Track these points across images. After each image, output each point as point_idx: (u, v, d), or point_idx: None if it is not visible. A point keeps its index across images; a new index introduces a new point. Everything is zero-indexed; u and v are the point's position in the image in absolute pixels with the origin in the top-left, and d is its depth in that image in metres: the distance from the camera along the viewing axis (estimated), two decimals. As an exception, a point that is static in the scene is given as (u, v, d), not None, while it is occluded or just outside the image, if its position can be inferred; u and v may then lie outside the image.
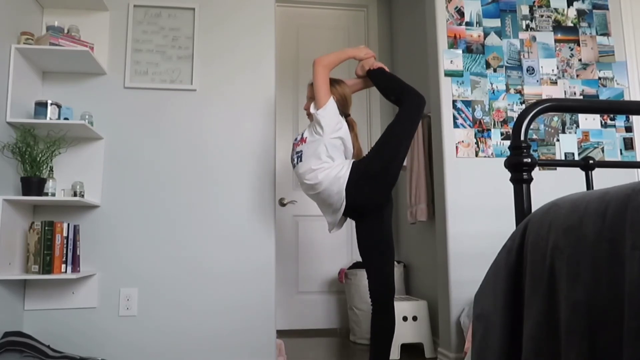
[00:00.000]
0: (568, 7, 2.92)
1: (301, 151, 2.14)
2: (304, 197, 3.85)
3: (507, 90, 2.78)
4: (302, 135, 2.17)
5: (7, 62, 2.23)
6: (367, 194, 2.06)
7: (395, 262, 3.56)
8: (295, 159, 2.17)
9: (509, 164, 1.26)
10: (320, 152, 2.09)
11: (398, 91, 2.17)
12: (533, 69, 2.82)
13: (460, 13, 2.81)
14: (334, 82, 2.23)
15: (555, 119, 2.80)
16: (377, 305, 2.07)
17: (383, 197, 2.09)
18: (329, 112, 2.10)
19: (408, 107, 2.11)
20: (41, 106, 2.28)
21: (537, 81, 2.82)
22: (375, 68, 2.29)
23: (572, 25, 2.91)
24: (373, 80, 2.31)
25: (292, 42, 4.13)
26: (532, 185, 1.25)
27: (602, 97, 2.85)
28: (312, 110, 2.14)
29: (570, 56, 2.87)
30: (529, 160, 1.23)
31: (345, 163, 2.10)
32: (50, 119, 2.28)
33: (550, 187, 2.63)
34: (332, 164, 2.09)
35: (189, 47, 2.66)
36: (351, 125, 2.24)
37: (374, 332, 2.07)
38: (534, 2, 2.89)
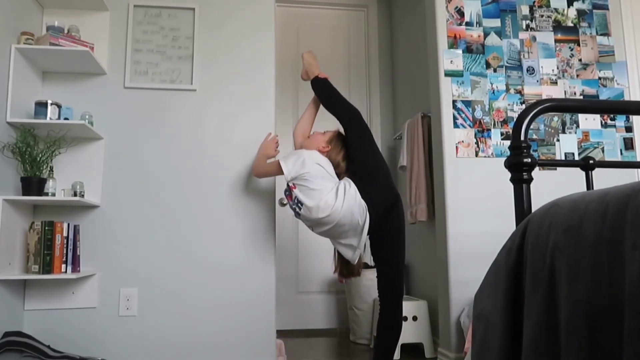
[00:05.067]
0: (568, 7, 2.92)
1: (297, 197, 2.11)
2: (304, 197, 3.85)
3: (507, 90, 2.78)
4: (287, 185, 2.15)
5: (7, 62, 2.23)
6: (381, 190, 2.08)
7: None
8: (296, 208, 2.13)
9: (509, 164, 1.26)
10: (312, 185, 2.07)
11: (335, 108, 2.28)
12: (533, 69, 2.82)
13: (460, 13, 2.81)
14: (341, 147, 2.26)
15: (555, 119, 2.80)
16: (385, 307, 2.06)
17: (393, 186, 2.15)
18: (288, 164, 2.13)
19: (347, 124, 2.23)
20: (41, 106, 2.28)
21: (537, 81, 2.82)
22: (321, 77, 2.38)
23: (572, 25, 2.91)
24: (315, 89, 2.40)
25: (292, 42, 4.13)
26: (532, 185, 1.25)
27: (602, 97, 2.85)
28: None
29: (570, 56, 2.87)
30: (529, 160, 1.23)
31: (343, 181, 2.09)
32: (50, 119, 2.28)
33: (550, 187, 2.63)
34: (332, 189, 2.05)
35: (189, 47, 2.66)
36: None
37: (380, 334, 2.06)
38: (534, 2, 2.89)
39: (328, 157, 2.20)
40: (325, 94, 2.36)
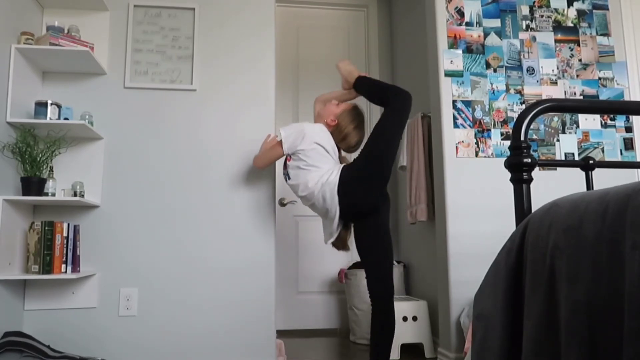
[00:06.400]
0: (568, 7, 2.92)
1: (288, 169, 2.22)
2: (304, 197, 3.85)
3: (507, 90, 2.78)
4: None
5: (7, 62, 2.23)
6: (361, 194, 2.07)
7: (395, 262, 3.56)
8: (284, 176, 2.26)
9: (509, 164, 1.26)
10: (302, 165, 2.14)
11: (382, 92, 2.20)
12: (533, 69, 2.82)
13: (460, 13, 2.81)
14: (356, 121, 2.25)
15: (555, 119, 2.80)
16: (377, 305, 2.07)
17: (378, 196, 2.10)
18: (288, 139, 2.16)
19: (393, 103, 2.11)
20: (41, 106, 2.28)
21: (537, 81, 2.82)
22: (361, 76, 2.32)
23: (572, 25, 2.91)
24: (359, 91, 2.34)
25: (292, 42, 4.13)
26: (532, 185, 1.25)
27: (602, 97, 2.85)
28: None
29: (570, 56, 2.87)
30: (529, 160, 1.23)
31: (335, 168, 2.12)
32: (50, 119, 2.28)
33: (550, 187, 2.63)
34: (320, 171, 2.11)
35: (189, 47, 2.66)
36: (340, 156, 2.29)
37: (375, 333, 2.07)
38: (534, 2, 2.89)
39: (334, 130, 2.24)
40: (371, 82, 2.30)
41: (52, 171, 2.38)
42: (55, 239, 2.22)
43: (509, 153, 1.34)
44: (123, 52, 2.62)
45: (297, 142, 2.14)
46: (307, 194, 2.13)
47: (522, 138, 1.23)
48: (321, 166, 2.13)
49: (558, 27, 2.89)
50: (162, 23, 2.67)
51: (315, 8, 4.19)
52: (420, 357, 2.94)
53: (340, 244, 2.21)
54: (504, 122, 2.74)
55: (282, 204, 3.82)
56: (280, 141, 2.18)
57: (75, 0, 2.51)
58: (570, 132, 2.79)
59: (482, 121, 2.73)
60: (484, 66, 2.78)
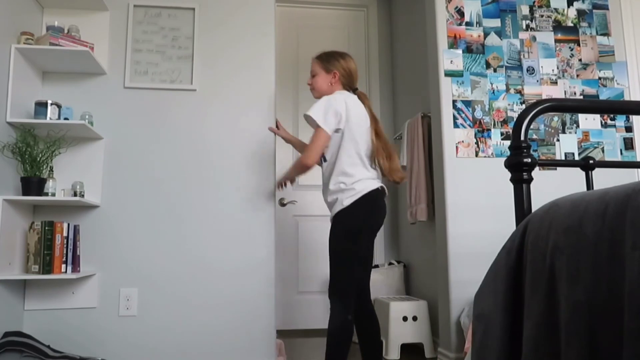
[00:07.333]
0: (568, 7, 2.92)
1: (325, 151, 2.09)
2: (304, 197, 3.84)
3: (507, 90, 2.78)
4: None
5: (7, 62, 2.23)
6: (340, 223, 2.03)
7: (395, 262, 3.56)
8: (321, 159, 2.12)
9: (509, 164, 1.26)
10: (336, 157, 2.04)
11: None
12: (533, 69, 2.82)
13: (460, 13, 2.81)
14: (337, 56, 2.21)
15: (555, 119, 2.80)
16: (359, 307, 2.06)
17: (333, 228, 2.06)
18: (318, 113, 2.03)
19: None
20: (41, 106, 2.28)
21: (537, 81, 2.82)
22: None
23: (572, 25, 2.91)
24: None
25: (292, 42, 4.13)
26: (532, 185, 1.25)
27: (602, 97, 2.85)
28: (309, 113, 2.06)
29: (570, 56, 2.87)
30: (529, 160, 1.23)
31: (356, 191, 1.99)
32: (50, 119, 2.28)
33: (550, 187, 2.63)
34: (348, 183, 2.00)
35: (189, 47, 2.66)
36: (362, 100, 2.15)
37: (361, 334, 2.06)
38: (534, 2, 2.89)
39: (342, 80, 2.16)
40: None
41: (52, 171, 2.38)
42: (55, 239, 2.22)
43: (509, 153, 1.34)
44: (123, 52, 2.62)
45: (335, 120, 2.01)
46: (328, 185, 2.06)
47: (522, 138, 1.23)
48: (355, 172, 2.01)
49: (558, 27, 2.89)
50: (162, 23, 2.67)
51: (315, 8, 4.19)
52: (420, 357, 2.94)
53: None
54: (504, 122, 2.74)
55: (282, 204, 3.82)
56: (319, 126, 2.02)
57: (75, 0, 2.51)
58: (570, 132, 2.79)
59: (482, 121, 2.73)
60: (484, 66, 2.78)
